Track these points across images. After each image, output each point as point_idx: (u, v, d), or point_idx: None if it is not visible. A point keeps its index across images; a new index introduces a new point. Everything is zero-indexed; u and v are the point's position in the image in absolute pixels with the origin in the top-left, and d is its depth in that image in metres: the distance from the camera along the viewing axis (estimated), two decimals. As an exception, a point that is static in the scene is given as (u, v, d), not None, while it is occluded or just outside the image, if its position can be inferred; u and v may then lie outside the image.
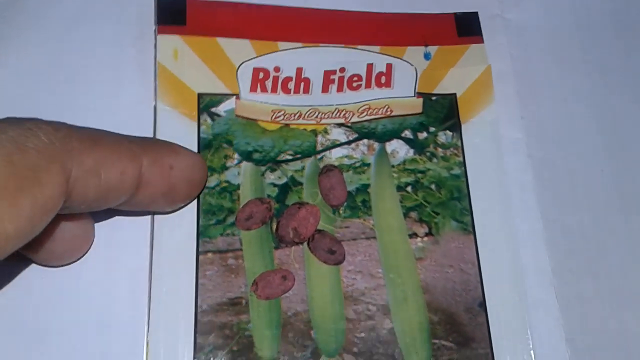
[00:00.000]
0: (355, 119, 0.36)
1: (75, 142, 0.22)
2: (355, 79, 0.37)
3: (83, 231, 0.30)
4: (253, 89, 0.35)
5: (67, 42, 0.34)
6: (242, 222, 0.33)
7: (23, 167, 0.20)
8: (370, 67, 0.37)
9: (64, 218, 0.27)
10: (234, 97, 0.35)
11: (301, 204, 0.34)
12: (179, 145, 0.30)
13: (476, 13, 0.39)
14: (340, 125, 0.36)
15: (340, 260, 0.33)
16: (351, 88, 0.36)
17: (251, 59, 0.36)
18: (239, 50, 0.36)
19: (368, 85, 0.37)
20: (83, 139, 0.23)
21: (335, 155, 0.35)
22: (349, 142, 0.35)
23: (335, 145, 0.35)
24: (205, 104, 0.34)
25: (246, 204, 0.33)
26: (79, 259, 0.31)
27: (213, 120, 0.34)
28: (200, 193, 0.32)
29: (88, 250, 0.31)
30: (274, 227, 0.33)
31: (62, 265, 0.30)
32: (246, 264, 0.32)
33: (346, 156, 0.35)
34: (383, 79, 0.37)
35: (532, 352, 0.32)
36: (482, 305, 0.33)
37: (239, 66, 0.36)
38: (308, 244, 0.33)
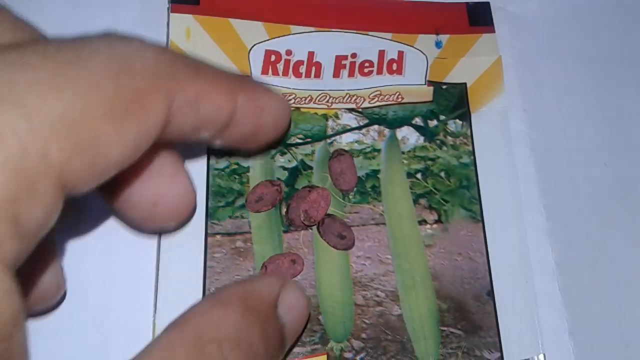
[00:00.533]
0: (366, 105, 0.36)
1: (181, 68, 0.21)
2: (367, 64, 0.36)
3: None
4: (265, 71, 0.35)
5: (79, 17, 0.33)
6: (252, 204, 0.33)
7: (130, 89, 0.18)
8: (382, 53, 0.37)
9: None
10: (246, 78, 0.35)
11: (312, 187, 0.33)
12: (270, 88, 0.28)
13: (488, 3, 0.39)
14: (351, 110, 0.35)
15: (349, 246, 0.33)
16: (362, 74, 0.36)
17: (263, 41, 0.35)
18: (251, 32, 0.35)
19: (379, 72, 0.36)
20: (187, 66, 0.21)
21: (345, 140, 0.35)
22: (359, 128, 0.35)
23: (346, 130, 0.35)
24: (218, 84, 0.34)
25: (256, 186, 0.33)
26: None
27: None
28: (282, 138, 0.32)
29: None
30: (284, 210, 0.33)
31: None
32: (255, 247, 0.32)
33: (356, 141, 0.35)
34: (394, 66, 0.37)
35: (540, 341, 0.32)
36: (490, 293, 0.33)
37: (251, 48, 0.35)
38: (318, 228, 0.33)
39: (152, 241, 0.31)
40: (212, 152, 0.33)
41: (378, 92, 0.36)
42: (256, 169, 0.33)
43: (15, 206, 0.15)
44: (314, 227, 0.33)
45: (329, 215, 0.33)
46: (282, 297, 0.26)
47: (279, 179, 0.33)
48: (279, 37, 0.36)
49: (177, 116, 0.21)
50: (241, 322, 0.23)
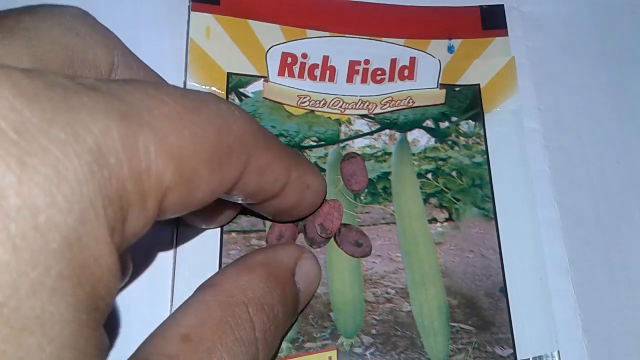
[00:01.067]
0: (378, 110, 0.36)
1: (260, 139, 0.23)
2: (379, 72, 0.37)
3: None
4: (281, 72, 0.36)
5: (100, 13, 0.35)
6: (273, 243, 0.33)
7: (226, 145, 0.21)
8: (393, 61, 0.38)
9: None
10: (262, 79, 0.36)
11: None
12: (315, 167, 0.31)
13: (502, 6, 0.40)
14: (363, 116, 0.36)
15: (367, 253, 0.33)
16: (375, 81, 0.37)
17: (280, 43, 0.37)
18: (269, 34, 0.37)
19: (391, 79, 0.37)
20: (264, 137, 0.24)
21: (357, 145, 0.36)
22: (371, 133, 0.36)
23: (358, 135, 0.36)
24: (234, 84, 0.35)
25: (273, 224, 0.33)
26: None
27: (241, 100, 0.35)
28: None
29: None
30: (302, 233, 0.33)
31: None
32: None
33: (368, 146, 0.36)
34: (406, 72, 0.37)
35: (554, 338, 0.32)
36: (503, 290, 0.33)
37: (269, 50, 0.36)
38: (335, 239, 0.33)
39: (168, 238, 0.32)
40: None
41: (390, 98, 0.37)
42: (270, 170, 0.34)
43: (126, 212, 0.17)
44: (331, 239, 0.33)
45: (344, 225, 0.34)
46: (300, 264, 0.29)
47: (292, 179, 0.34)
48: (295, 40, 0.37)
49: (244, 180, 0.24)
50: (264, 286, 0.25)
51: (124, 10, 0.37)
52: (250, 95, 0.35)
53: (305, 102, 0.36)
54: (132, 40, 0.34)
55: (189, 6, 0.36)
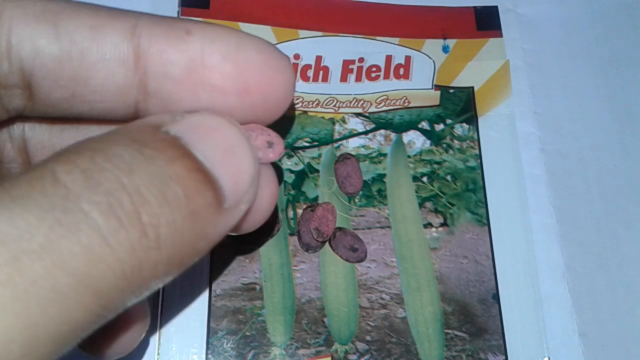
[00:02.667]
0: (372, 109, 0.36)
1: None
2: (374, 69, 0.37)
3: None
4: (272, 75, 0.35)
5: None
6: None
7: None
8: (389, 58, 0.37)
9: None
10: (254, 82, 0.35)
11: (313, 205, 0.34)
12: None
13: (496, 7, 0.39)
14: (357, 114, 0.36)
15: (362, 258, 0.33)
16: (370, 79, 0.37)
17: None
18: (260, 36, 0.36)
19: (387, 77, 0.37)
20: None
21: (352, 145, 0.35)
22: (366, 132, 0.35)
23: (353, 134, 0.35)
24: (226, 88, 0.35)
25: None
26: None
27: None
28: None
29: None
30: (297, 239, 0.33)
31: None
32: (261, 250, 0.32)
33: (363, 146, 0.35)
34: (401, 71, 0.37)
35: (545, 345, 0.32)
36: (496, 297, 0.33)
37: (259, 52, 0.36)
38: (329, 243, 0.33)
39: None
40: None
41: (385, 97, 0.36)
42: (263, 172, 0.34)
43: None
44: (326, 243, 0.33)
45: (339, 228, 0.33)
46: (176, 121, 0.18)
47: (285, 182, 0.34)
48: (287, 41, 0.36)
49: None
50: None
51: None
52: (244, 97, 0.35)
53: (298, 103, 0.35)
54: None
55: (178, 11, 0.35)
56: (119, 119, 0.20)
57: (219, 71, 0.18)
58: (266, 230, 0.33)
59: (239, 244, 0.32)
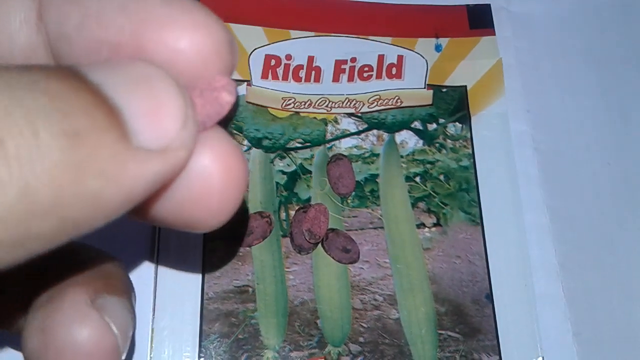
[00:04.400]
0: (365, 109, 0.36)
1: None
2: (366, 69, 0.37)
3: None
4: (264, 75, 0.35)
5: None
6: (242, 239, 0.33)
7: None
8: (381, 58, 0.37)
9: None
10: (245, 83, 0.35)
11: (305, 206, 0.33)
12: None
13: (489, 5, 0.39)
14: (350, 115, 0.36)
15: (355, 259, 0.33)
16: (362, 78, 0.36)
17: (263, 46, 0.36)
18: (251, 37, 0.36)
19: (379, 76, 0.36)
20: None
21: (344, 145, 0.35)
22: (358, 133, 0.35)
23: (345, 135, 0.35)
24: (216, 89, 0.34)
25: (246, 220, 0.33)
26: None
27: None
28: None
29: None
30: (289, 240, 0.33)
31: None
32: (253, 252, 0.32)
33: (355, 146, 0.35)
34: (394, 70, 0.37)
35: (538, 345, 0.32)
36: (489, 297, 0.33)
37: (251, 53, 0.36)
38: (322, 244, 0.33)
39: (149, 245, 0.32)
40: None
41: (377, 97, 0.36)
42: (255, 174, 0.34)
43: None
44: (319, 244, 0.33)
45: (332, 229, 0.33)
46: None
47: (278, 183, 0.34)
48: (279, 41, 0.36)
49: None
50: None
51: None
52: (234, 99, 0.34)
53: (290, 104, 0.35)
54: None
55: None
56: None
57: (115, 28, 0.15)
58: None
59: (231, 245, 0.32)
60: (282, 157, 0.34)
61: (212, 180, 0.15)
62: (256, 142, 0.34)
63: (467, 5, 0.39)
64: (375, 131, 0.36)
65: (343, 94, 0.36)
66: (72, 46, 0.15)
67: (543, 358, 0.32)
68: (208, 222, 0.16)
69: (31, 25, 0.16)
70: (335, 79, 0.36)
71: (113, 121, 0.13)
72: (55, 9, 0.15)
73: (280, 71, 0.36)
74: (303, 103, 0.35)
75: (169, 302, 0.31)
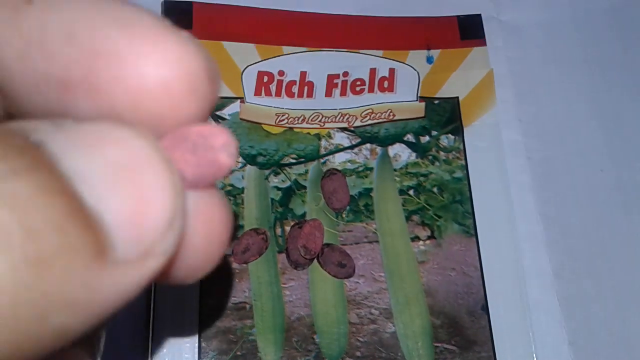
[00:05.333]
0: (358, 123, 0.36)
1: None
2: (359, 83, 0.37)
3: None
4: (257, 92, 0.36)
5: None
6: (238, 256, 0.33)
7: None
8: (373, 71, 0.37)
9: None
10: (239, 100, 0.35)
11: (300, 222, 0.34)
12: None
13: (479, 15, 0.39)
14: (343, 129, 0.36)
15: (350, 274, 0.33)
16: (354, 92, 0.37)
17: (256, 62, 0.36)
18: (244, 54, 0.36)
19: (371, 90, 0.37)
20: None
21: (338, 160, 0.35)
22: (352, 147, 0.36)
23: (339, 149, 0.36)
24: (210, 109, 0.35)
25: (241, 236, 0.33)
26: None
27: (217, 123, 0.35)
28: None
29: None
30: (285, 256, 0.33)
31: None
32: (250, 268, 0.33)
33: (349, 160, 0.35)
34: (386, 84, 0.37)
35: (534, 355, 0.32)
36: (485, 308, 0.33)
37: (244, 70, 0.36)
38: (318, 259, 0.33)
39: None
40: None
41: (370, 110, 0.36)
42: (250, 190, 0.34)
43: None
44: (315, 260, 0.33)
45: (327, 244, 0.33)
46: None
47: (273, 199, 0.34)
48: (271, 58, 0.37)
49: None
50: None
51: None
52: (227, 117, 0.35)
53: (283, 120, 0.35)
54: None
55: (161, 32, 0.36)
56: None
57: (62, 61, 0.12)
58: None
59: (227, 262, 0.32)
60: (276, 173, 0.35)
61: (195, 241, 0.13)
62: (251, 159, 0.34)
63: (458, 16, 0.39)
64: (368, 145, 0.36)
65: (336, 109, 0.36)
66: (14, 79, 0.12)
67: (539, 368, 0.32)
68: (187, 279, 0.14)
69: None
70: (328, 93, 0.36)
71: (89, 236, 0.10)
72: None
73: (273, 87, 0.36)
74: (296, 118, 0.36)
75: (167, 320, 0.31)
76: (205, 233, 0.13)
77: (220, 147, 0.12)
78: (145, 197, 0.11)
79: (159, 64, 0.12)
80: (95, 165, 0.11)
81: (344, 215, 0.34)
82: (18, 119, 0.12)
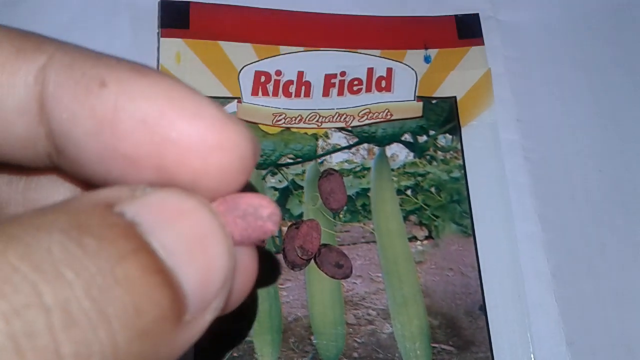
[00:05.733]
0: (355, 123, 0.36)
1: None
2: (356, 82, 0.37)
3: None
4: (255, 92, 0.35)
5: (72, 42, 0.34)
6: None
7: None
8: (370, 71, 0.37)
9: None
10: (236, 100, 0.35)
11: (297, 222, 0.34)
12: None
13: (477, 15, 0.39)
14: (340, 129, 0.36)
15: (347, 274, 0.33)
16: (352, 92, 0.37)
17: (253, 62, 0.36)
18: (241, 54, 0.36)
19: (368, 90, 0.37)
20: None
21: (335, 160, 0.35)
22: (349, 147, 0.36)
23: (336, 149, 0.35)
24: (206, 109, 0.35)
25: None
26: None
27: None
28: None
29: None
30: (282, 256, 0.33)
31: None
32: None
33: (346, 161, 0.35)
34: (383, 83, 0.37)
35: (532, 355, 0.32)
36: (483, 308, 0.33)
37: (241, 70, 0.36)
38: (315, 260, 0.33)
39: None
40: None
41: (367, 110, 0.36)
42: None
43: None
44: (312, 260, 0.33)
45: (324, 245, 0.33)
46: (131, 199, 0.13)
47: (270, 199, 0.34)
48: (268, 57, 0.36)
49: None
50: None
51: (95, 41, 0.36)
52: (224, 117, 0.35)
53: (280, 120, 0.35)
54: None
55: (158, 32, 0.35)
56: (47, 167, 0.15)
57: (133, 143, 0.13)
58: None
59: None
60: (273, 174, 0.34)
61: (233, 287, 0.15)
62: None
63: (456, 16, 0.39)
64: (365, 145, 0.36)
65: (333, 109, 0.36)
66: (81, 151, 0.14)
67: (537, 368, 0.32)
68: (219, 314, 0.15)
69: (31, 116, 0.14)
70: (325, 93, 0.36)
71: (176, 304, 0.12)
72: (62, 107, 0.14)
73: (270, 87, 0.36)
74: (294, 118, 0.35)
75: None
76: (242, 280, 0.15)
77: (267, 216, 0.15)
78: (211, 265, 0.13)
79: (221, 153, 0.14)
80: (176, 239, 0.13)
81: (341, 216, 0.34)
82: (70, 173, 0.15)
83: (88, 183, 0.15)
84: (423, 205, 0.35)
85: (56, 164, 0.15)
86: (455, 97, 0.37)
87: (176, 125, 0.13)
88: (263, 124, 0.35)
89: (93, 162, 0.14)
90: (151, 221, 0.13)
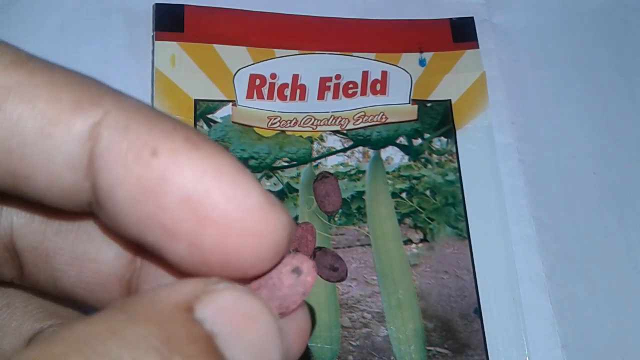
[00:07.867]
0: (350, 126, 0.36)
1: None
2: (351, 86, 0.37)
3: None
4: (249, 95, 0.35)
5: (67, 47, 0.34)
6: None
7: None
8: (365, 74, 0.37)
9: None
10: (231, 103, 0.35)
11: None
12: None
13: (472, 18, 0.39)
14: (335, 132, 0.36)
15: (342, 278, 0.33)
16: (347, 95, 0.37)
17: (248, 65, 0.36)
18: (235, 57, 0.36)
19: (363, 93, 0.37)
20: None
21: (330, 163, 0.35)
22: (344, 150, 0.36)
23: (331, 152, 0.35)
24: (202, 111, 0.35)
25: None
26: None
27: (209, 126, 0.35)
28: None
29: None
30: None
31: None
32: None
33: (341, 164, 0.35)
34: (378, 87, 0.37)
35: (527, 357, 0.32)
36: (478, 311, 0.33)
37: (236, 73, 0.36)
38: None
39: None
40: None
41: (362, 113, 0.36)
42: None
43: None
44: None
45: (319, 248, 0.33)
46: (207, 298, 0.14)
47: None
48: (263, 60, 0.36)
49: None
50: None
51: (90, 45, 0.36)
52: (219, 120, 0.35)
53: (275, 123, 0.35)
54: (99, 76, 0.33)
55: (152, 36, 0.35)
56: (86, 212, 0.16)
57: (172, 214, 0.14)
58: None
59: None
60: (268, 177, 0.34)
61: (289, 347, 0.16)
62: (242, 162, 0.34)
63: (451, 19, 0.39)
64: (360, 148, 0.36)
65: (328, 112, 0.36)
66: (121, 211, 0.14)
67: (532, 371, 0.32)
68: None
69: (80, 170, 0.14)
70: (320, 96, 0.36)
71: None
72: (110, 168, 0.14)
73: (265, 90, 0.36)
74: (289, 122, 0.35)
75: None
76: (296, 341, 0.15)
77: (302, 294, 0.15)
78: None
79: (258, 239, 0.14)
80: (244, 352, 0.13)
81: (336, 219, 0.34)
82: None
83: (122, 236, 0.15)
84: (418, 208, 0.35)
85: (96, 213, 0.15)
86: (450, 100, 0.37)
87: (219, 207, 0.13)
88: (258, 127, 0.35)
89: (131, 222, 0.14)
90: (226, 333, 0.13)
